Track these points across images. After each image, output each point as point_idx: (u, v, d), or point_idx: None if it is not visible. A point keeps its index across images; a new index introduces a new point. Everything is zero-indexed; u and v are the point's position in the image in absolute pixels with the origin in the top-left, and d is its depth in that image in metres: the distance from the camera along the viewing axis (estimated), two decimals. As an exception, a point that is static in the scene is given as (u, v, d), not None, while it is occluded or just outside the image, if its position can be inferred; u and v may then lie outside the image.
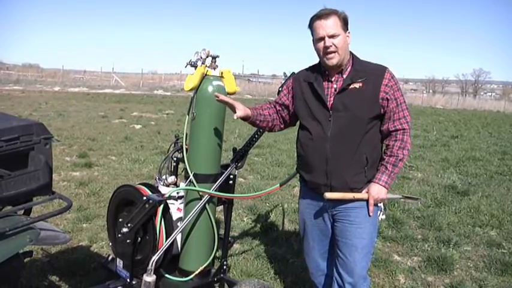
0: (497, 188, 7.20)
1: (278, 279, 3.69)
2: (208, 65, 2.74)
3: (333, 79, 2.53)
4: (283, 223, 4.99)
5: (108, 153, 8.49)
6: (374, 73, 2.49)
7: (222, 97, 2.57)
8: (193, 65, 2.75)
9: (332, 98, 2.50)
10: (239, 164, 2.92)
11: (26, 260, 2.13)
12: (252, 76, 62.37)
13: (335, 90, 2.50)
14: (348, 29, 2.49)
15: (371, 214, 2.54)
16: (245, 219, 5.11)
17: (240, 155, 2.94)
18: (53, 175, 6.41)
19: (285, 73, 3.21)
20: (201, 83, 2.71)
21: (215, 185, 2.75)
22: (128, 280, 2.73)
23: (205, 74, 2.72)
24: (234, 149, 2.99)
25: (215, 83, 2.71)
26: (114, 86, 35.34)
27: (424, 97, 38.91)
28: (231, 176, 2.91)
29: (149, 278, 2.51)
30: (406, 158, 2.51)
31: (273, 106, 2.81)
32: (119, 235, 2.69)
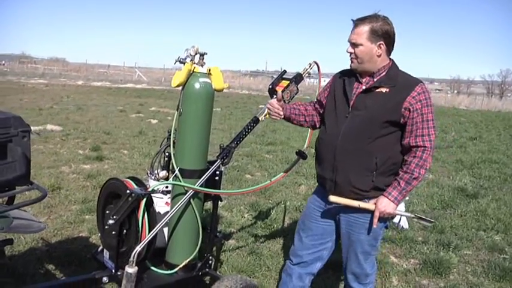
0: (510, 192, 7.05)
1: (269, 276, 3.71)
2: (196, 62, 2.78)
3: (363, 81, 2.56)
4: (283, 221, 5.00)
5: (121, 147, 8.62)
6: (405, 83, 2.46)
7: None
8: (182, 62, 2.79)
9: (356, 97, 2.53)
10: (225, 160, 2.94)
11: (6, 247, 2.21)
12: (275, 73, 62.39)
13: (362, 90, 2.53)
14: (380, 40, 2.43)
15: (374, 226, 2.53)
16: (246, 215, 5.14)
17: (226, 152, 2.96)
18: (64, 167, 6.54)
19: (285, 71, 3.22)
20: (188, 79, 2.75)
21: (200, 181, 2.79)
22: (113, 271, 2.79)
23: (193, 71, 2.76)
24: (221, 146, 3.02)
25: (202, 79, 2.75)
26: (137, 80, 35.77)
27: (447, 97, 38.19)
28: (217, 172, 2.94)
29: (131, 269, 2.56)
30: (422, 177, 2.46)
31: (312, 104, 2.92)
32: (106, 227, 2.75)
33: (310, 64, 3.08)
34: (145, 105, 17.16)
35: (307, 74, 3.15)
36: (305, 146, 3.22)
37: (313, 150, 2.83)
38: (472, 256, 4.45)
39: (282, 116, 2.83)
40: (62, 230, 4.33)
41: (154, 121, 12.62)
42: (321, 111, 2.85)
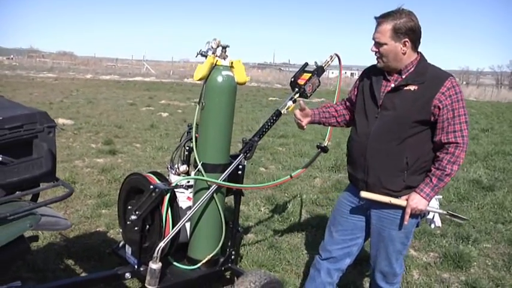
0: (526, 185, 6.97)
1: (289, 270, 3.69)
2: (218, 55, 2.74)
3: (391, 78, 2.49)
4: (300, 214, 4.98)
5: (133, 140, 8.61)
6: (434, 79, 2.37)
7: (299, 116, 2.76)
8: (204, 55, 2.76)
9: (384, 96, 2.47)
10: (248, 155, 2.91)
11: (32, 243, 2.20)
12: (283, 65, 62.36)
13: (391, 89, 2.46)
14: (405, 38, 2.34)
15: (406, 222, 2.49)
16: (262, 209, 5.12)
17: (249, 146, 2.93)
18: (78, 161, 6.53)
19: (306, 63, 3.16)
20: (210, 73, 2.71)
21: (223, 175, 2.76)
22: (136, 266, 2.77)
23: (215, 64, 2.72)
24: (243, 140, 2.99)
25: (224, 73, 2.72)
26: (145, 74, 35.75)
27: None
28: (240, 166, 2.91)
29: (155, 265, 2.55)
30: (454, 174, 2.39)
31: (343, 103, 2.89)
32: (128, 222, 2.73)
33: (332, 57, 3.04)
34: (155, 98, 17.15)
35: (328, 67, 3.11)
36: (326, 141, 3.17)
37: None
38: (491, 249, 4.39)
39: (304, 127, 2.81)
40: (79, 224, 4.33)
41: (164, 114, 12.60)
42: (353, 109, 2.79)
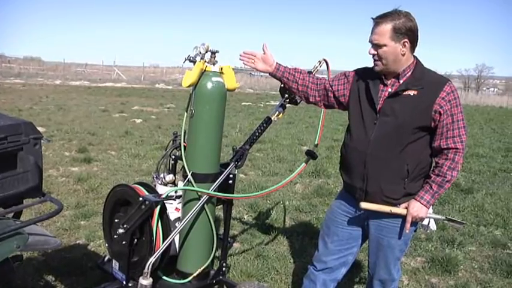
0: (502, 186, 7.10)
1: (279, 280, 3.60)
2: (207, 61, 2.64)
3: (388, 83, 2.42)
4: (284, 221, 4.91)
5: (108, 148, 8.39)
6: (433, 83, 2.34)
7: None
8: (192, 61, 2.66)
9: (383, 102, 2.40)
10: (239, 163, 2.83)
11: (16, 263, 2.05)
12: (253, 70, 62.40)
13: (388, 94, 2.39)
14: (404, 38, 2.29)
15: (407, 231, 2.45)
16: (245, 216, 5.02)
17: (240, 154, 2.84)
18: (52, 171, 6.27)
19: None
20: (199, 79, 2.61)
21: (214, 185, 2.66)
22: (124, 282, 2.65)
23: (204, 70, 2.62)
24: (234, 148, 2.90)
25: (214, 79, 2.62)
26: (116, 79, 35.17)
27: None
28: (231, 176, 2.82)
29: (145, 281, 2.42)
30: (454, 180, 2.38)
31: (322, 82, 2.66)
32: (115, 236, 2.61)
33: (320, 62, 2.99)
34: (127, 104, 16.85)
35: (317, 72, 3.05)
36: (316, 141, 3.08)
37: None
38: (476, 252, 4.41)
39: (257, 68, 2.66)
40: (57, 237, 4.12)
41: (138, 120, 12.38)
42: (329, 94, 2.63)
